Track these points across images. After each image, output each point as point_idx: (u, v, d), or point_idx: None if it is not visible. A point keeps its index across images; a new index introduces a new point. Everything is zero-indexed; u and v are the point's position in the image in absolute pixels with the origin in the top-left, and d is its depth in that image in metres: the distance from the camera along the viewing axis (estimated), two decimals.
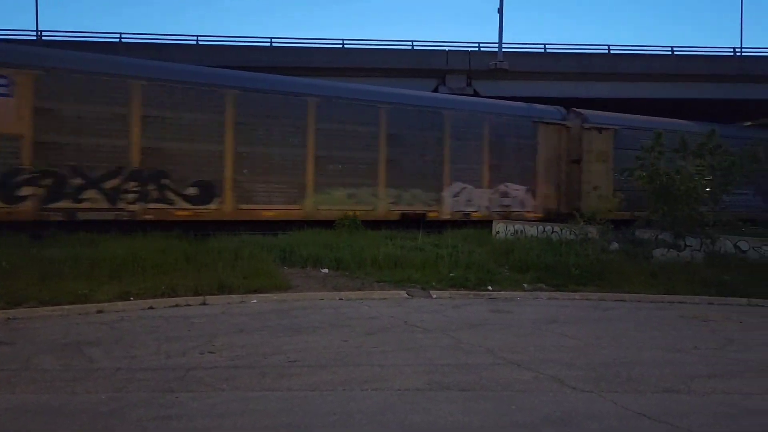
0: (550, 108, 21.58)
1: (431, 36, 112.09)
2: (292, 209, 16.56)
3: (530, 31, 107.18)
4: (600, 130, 21.15)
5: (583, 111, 21.40)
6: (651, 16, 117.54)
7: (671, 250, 13.58)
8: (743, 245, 13.37)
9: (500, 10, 26.99)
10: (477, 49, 26.68)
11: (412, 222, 17.78)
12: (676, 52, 27.72)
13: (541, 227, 15.93)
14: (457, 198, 19.08)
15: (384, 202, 17.90)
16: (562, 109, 21.47)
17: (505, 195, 19.88)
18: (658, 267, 12.56)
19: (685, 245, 13.62)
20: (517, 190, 20.15)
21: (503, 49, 25.92)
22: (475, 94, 25.36)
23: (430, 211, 18.57)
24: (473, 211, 19.16)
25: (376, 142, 17.85)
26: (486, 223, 17.85)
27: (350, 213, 16.85)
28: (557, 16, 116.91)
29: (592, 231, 13.94)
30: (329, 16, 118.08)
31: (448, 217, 18.61)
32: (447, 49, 26.36)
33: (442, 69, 25.85)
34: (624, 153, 20.34)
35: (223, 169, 15.73)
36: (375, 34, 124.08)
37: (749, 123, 33.78)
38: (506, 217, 19.15)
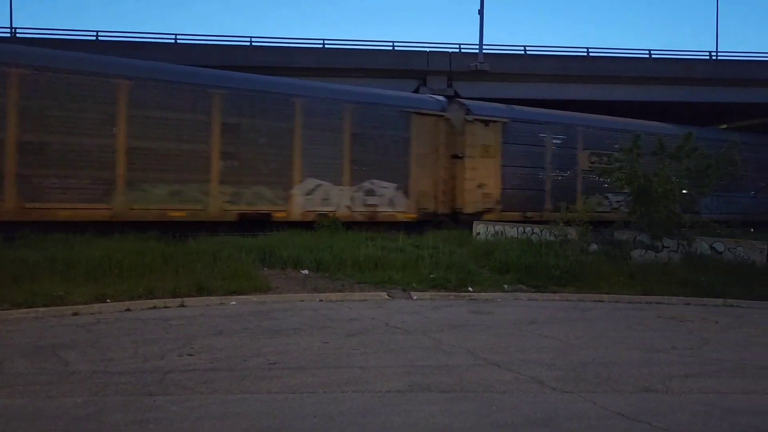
0: (427, 97, 20.21)
1: (412, 37, 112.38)
2: (97, 209, 14.24)
3: (511, 33, 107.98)
4: (486, 122, 19.40)
5: (467, 101, 19.81)
6: (629, 19, 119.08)
7: (649, 251, 13.75)
8: (719, 246, 13.58)
9: (481, 12, 27.11)
10: (458, 50, 26.78)
11: (253, 224, 15.79)
12: (653, 55, 28.12)
13: (521, 228, 16.00)
14: (311, 196, 16.94)
15: (218, 201, 15.60)
16: (442, 99, 19.92)
17: (370, 193, 17.77)
18: (636, 268, 12.72)
19: (663, 246, 13.79)
20: (385, 188, 18.01)
21: (484, 51, 26.04)
22: (456, 95, 25.40)
23: (277, 211, 16.40)
24: (331, 211, 17.03)
25: (207, 132, 15.52)
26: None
27: (173, 213, 14.96)
28: (537, 18, 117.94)
29: (572, 232, 14.05)
30: (310, 15, 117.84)
31: (299, 218, 16.54)
32: (428, 50, 26.42)
33: (423, 70, 25.89)
34: (515, 148, 19.77)
35: (4, 162, 13.32)
36: (356, 34, 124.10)
37: (724, 126, 34.37)
38: (372, 218, 17.58)
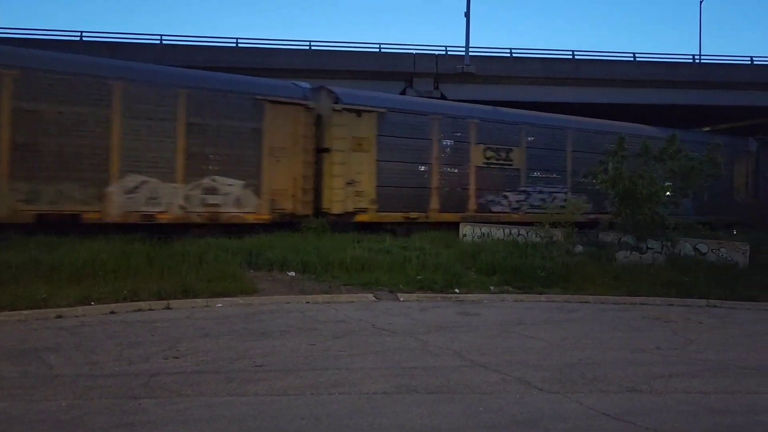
0: (286, 83, 17.92)
1: (399, 39, 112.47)
2: None
3: (497, 35, 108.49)
4: (359, 112, 17.24)
5: (336, 89, 17.74)
6: (614, 23, 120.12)
7: (634, 252, 13.87)
8: (702, 248, 13.73)
9: (467, 15, 27.25)
10: (444, 52, 26.87)
11: (55, 225, 13.15)
12: (637, 59, 28.38)
13: (507, 230, 16.06)
14: (134, 195, 14.50)
15: (8, 200, 13.04)
16: (305, 86, 17.59)
17: (212, 192, 15.37)
18: (621, 269, 12.83)
19: (647, 248, 13.92)
20: (230, 185, 15.66)
21: (470, 53, 26.14)
22: (443, 97, 25.48)
23: (89, 211, 13.87)
24: (160, 212, 14.73)
25: None
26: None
27: None
28: (523, 21, 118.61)
29: (557, 234, 14.14)
30: (297, 16, 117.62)
31: (117, 219, 14.18)
32: (414, 52, 26.48)
33: (410, 72, 25.94)
34: (394, 140, 17.76)
35: None
36: (342, 35, 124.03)
37: (707, 128, 34.77)
38: (214, 219, 15.37)
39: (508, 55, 27.64)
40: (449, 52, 26.89)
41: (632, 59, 28.30)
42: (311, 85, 17.73)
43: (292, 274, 11.61)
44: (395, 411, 5.00)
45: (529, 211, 19.62)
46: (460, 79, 26.06)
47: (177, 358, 6.36)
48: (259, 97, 16.16)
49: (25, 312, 8.16)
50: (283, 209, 16.36)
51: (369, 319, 8.63)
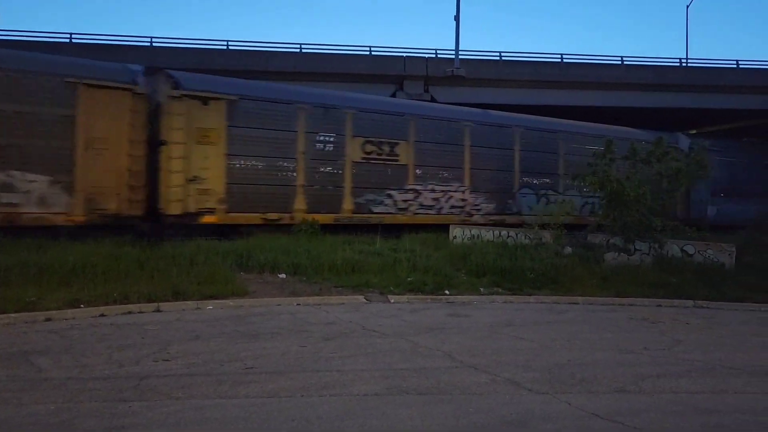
0: (110, 65, 15.72)
1: (389, 42, 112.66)
2: None
3: (486, 38, 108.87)
4: (205, 100, 15.19)
5: (175, 73, 15.65)
6: (602, 27, 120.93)
7: (622, 254, 13.98)
8: (689, 249, 13.87)
9: (457, 18, 27.33)
10: (434, 55, 26.92)
11: None
12: (625, 62, 28.56)
13: (496, 232, 16.12)
14: None
15: None
16: (136, 68, 15.50)
17: (8, 189, 13.22)
18: (610, 270, 12.93)
19: (635, 249, 14.04)
20: (32, 181, 13.45)
21: (460, 57, 26.22)
22: (432, 99, 25.57)
23: None
24: None
25: None
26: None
27: None
28: (513, 25, 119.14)
29: (546, 236, 14.23)
30: (287, 19, 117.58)
31: None
32: (404, 55, 26.51)
33: (400, 75, 25.98)
34: (248, 132, 15.72)
35: None
36: (333, 38, 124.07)
37: (694, 131, 35.06)
38: (11, 221, 13.08)
39: (498, 58, 27.74)
40: (439, 55, 26.95)
41: (620, 63, 28.49)
42: (144, 66, 15.73)
43: (283, 276, 11.61)
44: (386, 412, 5.02)
45: (420, 211, 18.33)
46: (450, 82, 26.14)
47: (167, 360, 6.35)
48: (70, 79, 13.88)
49: (13, 315, 8.11)
50: (104, 210, 14.19)
51: (360, 321, 8.64)
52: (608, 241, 14.20)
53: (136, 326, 7.90)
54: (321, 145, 16.93)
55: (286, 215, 16.26)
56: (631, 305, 11.11)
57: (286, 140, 16.39)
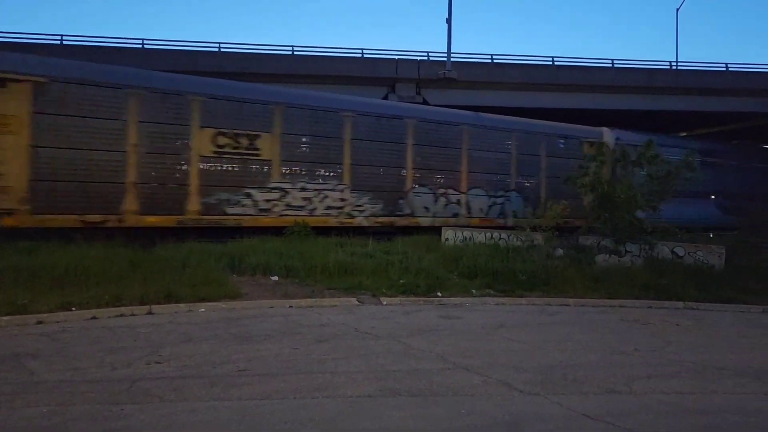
0: None
1: (381, 44, 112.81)
2: None
3: (478, 41, 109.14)
4: (2, 81, 13.08)
5: None
6: (593, 29, 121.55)
7: (612, 255, 14.06)
8: (679, 251, 13.97)
9: (449, 21, 27.44)
10: (426, 58, 27.00)
11: None
12: (616, 65, 28.75)
13: (489, 234, 16.18)
14: None
15: None
16: None
17: None
18: (601, 272, 13.00)
19: (626, 251, 14.12)
20: None
21: (452, 59, 26.32)
22: (425, 102, 25.64)
23: None
24: None
25: None
26: None
27: None
28: (504, 27, 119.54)
29: (538, 238, 14.29)
30: (279, 21, 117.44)
31: None
32: (396, 57, 26.58)
33: (392, 77, 26.05)
34: (60, 121, 13.54)
35: None
36: (324, 40, 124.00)
37: (684, 133, 35.31)
38: None
39: (489, 60, 27.86)
40: (431, 58, 27.04)
41: (611, 66, 28.67)
42: None
43: (276, 278, 11.60)
44: (378, 414, 5.04)
45: (287, 212, 16.30)
46: (442, 85, 26.22)
47: (160, 363, 6.34)
48: None
49: (4, 318, 8.07)
50: None
51: (352, 323, 8.66)
52: (599, 242, 14.28)
53: (129, 329, 7.88)
54: (158, 136, 14.75)
55: (113, 217, 14.09)
56: (622, 307, 11.18)
57: (113, 130, 14.19)
